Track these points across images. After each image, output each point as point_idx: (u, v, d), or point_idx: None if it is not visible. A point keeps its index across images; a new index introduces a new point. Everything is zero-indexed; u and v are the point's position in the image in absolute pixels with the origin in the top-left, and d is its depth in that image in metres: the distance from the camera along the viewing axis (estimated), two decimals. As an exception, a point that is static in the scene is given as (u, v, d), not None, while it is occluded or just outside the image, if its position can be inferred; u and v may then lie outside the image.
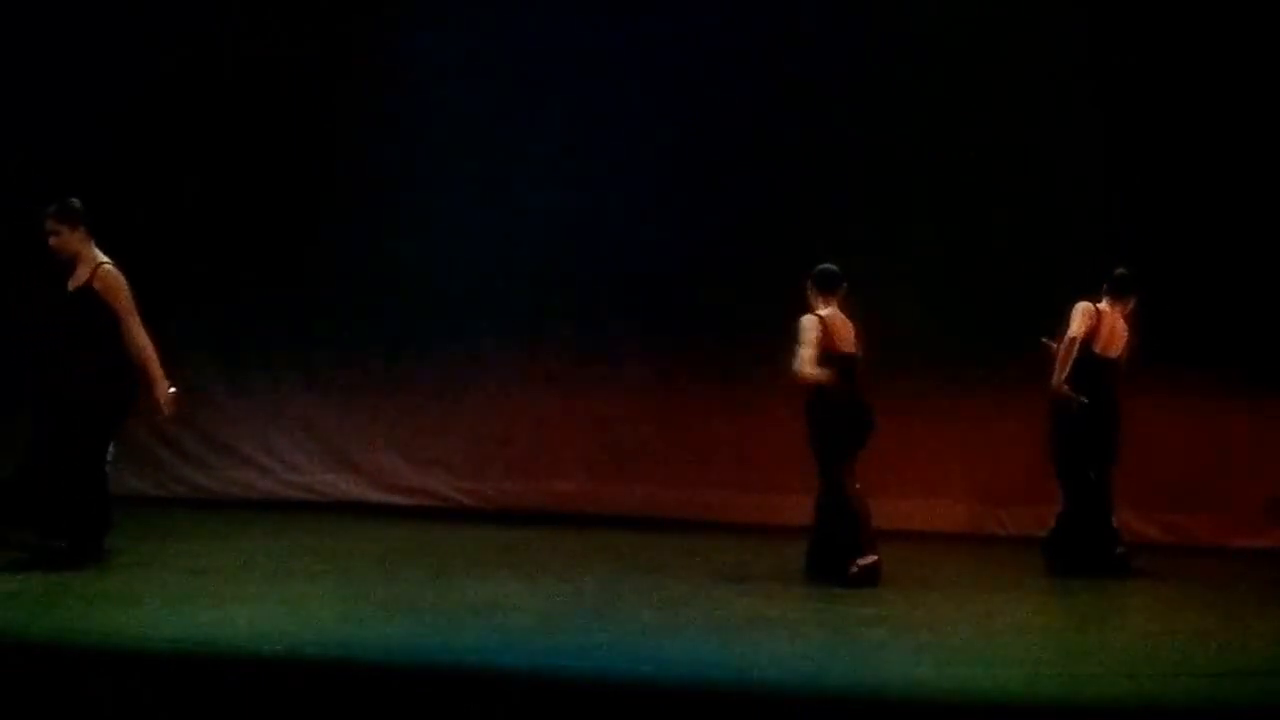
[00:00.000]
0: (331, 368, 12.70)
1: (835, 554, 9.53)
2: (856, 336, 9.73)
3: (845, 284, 9.74)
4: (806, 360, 9.44)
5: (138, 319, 9.36)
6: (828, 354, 9.46)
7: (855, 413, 9.59)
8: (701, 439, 12.43)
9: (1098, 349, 10.23)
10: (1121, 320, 10.34)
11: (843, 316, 9.69)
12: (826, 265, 9.74)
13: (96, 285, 9.37)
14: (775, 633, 8.11)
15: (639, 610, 8.63)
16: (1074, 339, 10.14)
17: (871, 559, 9.48)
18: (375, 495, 12.57)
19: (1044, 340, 10.34)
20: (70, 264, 9.47)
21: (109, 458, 9.52)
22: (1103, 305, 10.31)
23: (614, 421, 12.56)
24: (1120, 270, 10.38)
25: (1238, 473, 11.70)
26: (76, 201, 9.52)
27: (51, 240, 9.49)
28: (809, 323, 9.52)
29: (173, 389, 9.42)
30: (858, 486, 9.61)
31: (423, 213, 12.68)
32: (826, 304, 9.65)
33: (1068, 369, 10.10)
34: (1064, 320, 10.24)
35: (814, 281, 9.69)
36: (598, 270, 12.52)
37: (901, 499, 11.67)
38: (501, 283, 12.67)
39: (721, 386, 12.34)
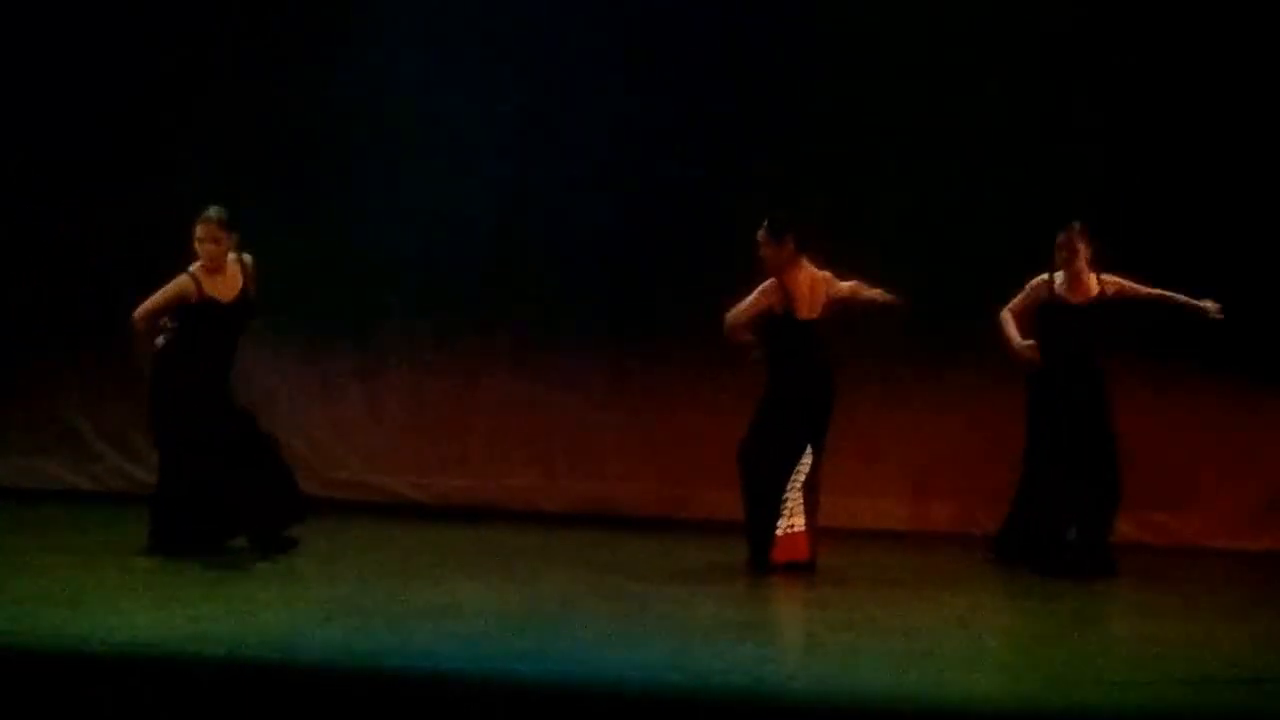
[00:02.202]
0: (276, 360, 12.64)
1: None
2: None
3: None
4: None
5: None
6: None
7: None
8: (663, 433, 12.46)
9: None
10: None
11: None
12: None
13: (247, 284, 9.89)
14: (741, 636, 8.13)
15: (597, 612, 8.66)
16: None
17: None
18: (322, 491, 12.34)
19: None
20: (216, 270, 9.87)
21: None
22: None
23: (571, 415, 12.57)
24: None
25: (1226, 472, 11.76)
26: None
27: (211, 247, 9.79)
28: None
29: None
30: None
31: (369, 200, 12.70)
32: None
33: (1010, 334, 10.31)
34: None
35: None
36: (554, 260, 12.55)
37: (876, 497, 11.80)
38: (453, 273, 12.67)
39: (682, 379, 12.39)
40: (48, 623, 7.81)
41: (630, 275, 12.40)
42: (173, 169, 12.65)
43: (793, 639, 8.31)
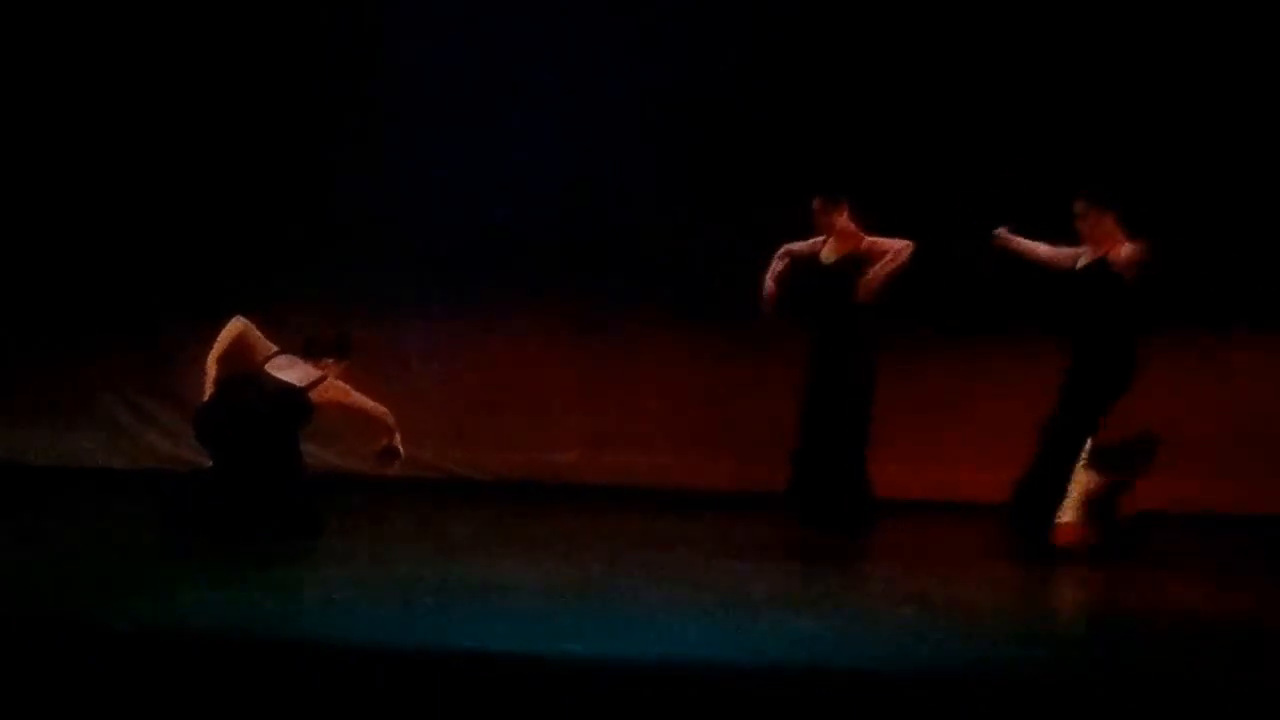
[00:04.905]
0: (314, 331, 12.74)
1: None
2: None
3: None
4: None
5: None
6: None
7: None
8: (712, 406, 12.60)
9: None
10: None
11: None
12: None
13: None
14: (795, 611, 8.20)
15: (648, 588, 8.71)
16: None
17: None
18: (361, 466, 12.18)
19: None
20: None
21: None
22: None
23: (620, 388, 12.73)
24: None
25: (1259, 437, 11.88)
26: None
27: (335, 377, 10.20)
28: None
29: None
30: None
31: (412, 168, 12.82)
32: None
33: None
34: None
35: None
36: (601, 228, 12.66)
37: (934, 468, 12.00)
38: (500, 241, 12.77)
39: (734, 349, 12.54)
40: (79, 603, 7.90)
41: (682, 248, 12.48)
42: (197, 153, 12.93)
43: (847, 614, 8.28)
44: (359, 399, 10.11)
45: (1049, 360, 11.24)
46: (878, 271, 10.81)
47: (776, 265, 11.10)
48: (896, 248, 10.82)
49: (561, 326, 12.79)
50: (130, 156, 12.95)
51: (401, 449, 10.11)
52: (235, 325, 10.11)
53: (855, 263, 10.97)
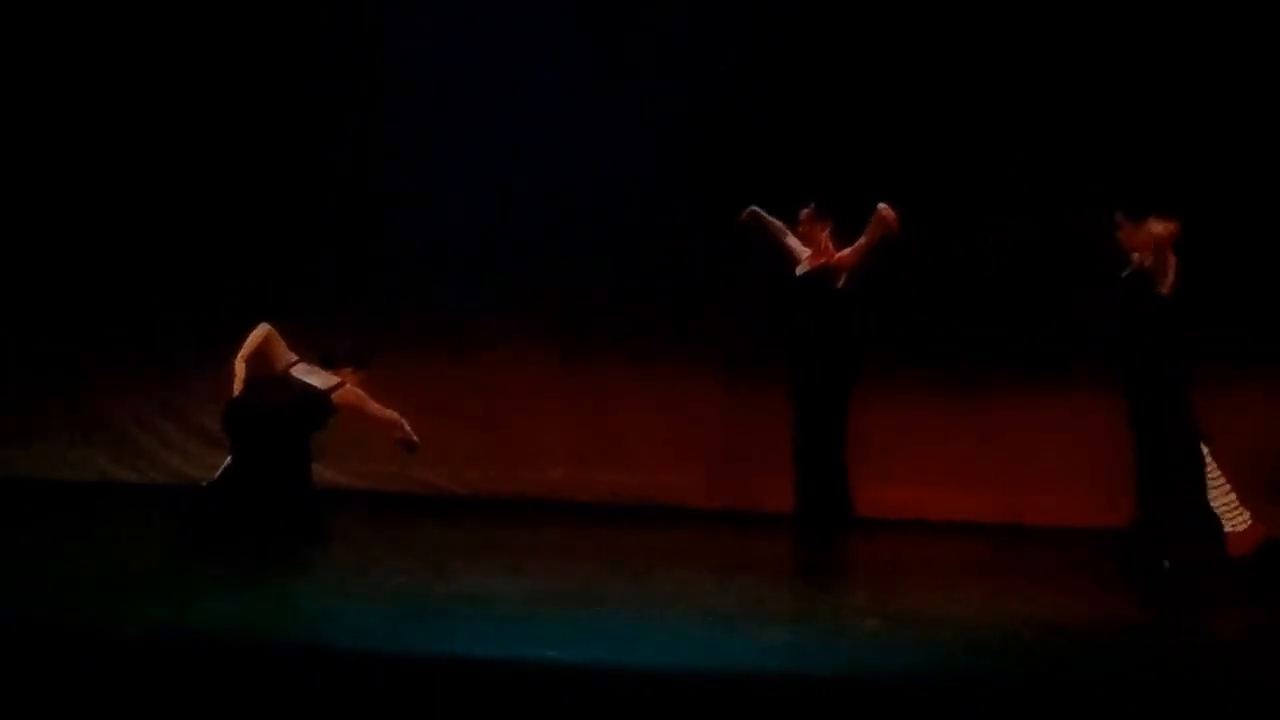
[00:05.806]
0: (309, 348, 12.69)
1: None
2: None
3: None
4: None
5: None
6: None
7: None
8: (696, 424, 12.76)
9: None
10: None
11: None
12: None
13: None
14: (769, 623, 8.45)
15: (629, 600, 8.95)
16: None
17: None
18: (355, 482, 12.89)
19: None
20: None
21: None
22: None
23: (606, 405, 12.87)
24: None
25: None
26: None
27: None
28: None
29: None
30: None
31: (402, 187, 12.98)
32: None
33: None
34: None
35: None
36: (590, 247, 12.78)
37: (910, 486, 12.11)
38: (489, 259, 12.93)
39: (718, 369, 12.71)
40: (85, 608, 8.21)
41: (667, 267, 12.61)
42: (198, 158, 13.12)
43: (818, 625, 8.53)
44: (375, 406, 10.67)
45: (1033, 380, 11.77)
46: (861, 243, 11.12)
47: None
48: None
49: (549, 346, 12.91)
50: (138, 167, 13.16)
51: (415, 437, 10.61)
52: (262, 330, 10.63)
53: (824, 277, 11.30)
